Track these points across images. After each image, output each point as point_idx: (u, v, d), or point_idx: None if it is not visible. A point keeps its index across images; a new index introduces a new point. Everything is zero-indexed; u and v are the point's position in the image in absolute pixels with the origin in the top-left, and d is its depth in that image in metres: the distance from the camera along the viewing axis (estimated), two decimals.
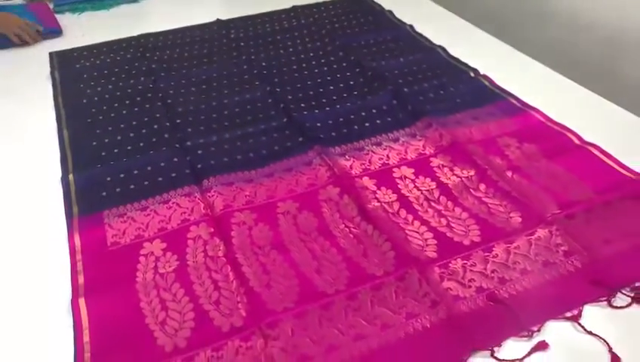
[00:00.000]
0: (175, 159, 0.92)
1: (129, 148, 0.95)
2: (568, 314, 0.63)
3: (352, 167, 0.88)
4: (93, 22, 1.46)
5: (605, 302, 0.64)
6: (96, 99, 1.10)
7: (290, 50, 1.27)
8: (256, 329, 0.63)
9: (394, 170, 0.87)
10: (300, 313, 0.64)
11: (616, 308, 0.64)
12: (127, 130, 1.00)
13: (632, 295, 0.65)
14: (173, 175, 0.88)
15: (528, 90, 1.04)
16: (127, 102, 1.08)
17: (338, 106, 1.04)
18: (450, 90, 1.08)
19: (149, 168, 0.89)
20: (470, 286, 0.67)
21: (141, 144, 0.96)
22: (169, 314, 0.65)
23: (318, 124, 0.99)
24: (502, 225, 0.75)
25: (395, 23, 1.37)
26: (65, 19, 1.45)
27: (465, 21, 1.36)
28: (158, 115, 1.04)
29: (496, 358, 0.59)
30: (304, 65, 1.20)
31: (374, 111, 1.02)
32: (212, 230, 0.77)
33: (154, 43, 1.31)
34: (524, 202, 0.78)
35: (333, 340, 0.61)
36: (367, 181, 0.84)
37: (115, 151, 0.94)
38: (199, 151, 0.93)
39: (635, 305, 0.64)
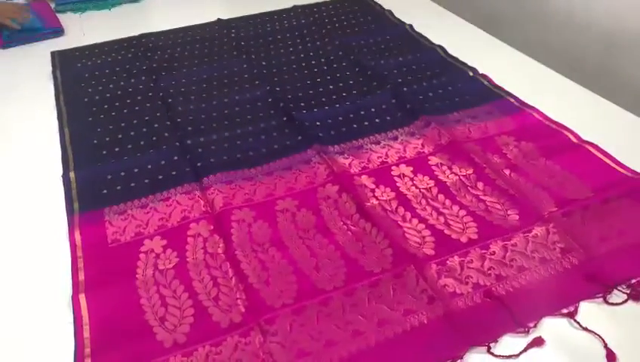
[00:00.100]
0: (175, 157, 0.92)
1: (130, 146, 0.95)
2: (564, 311, 0.64)
3: (351, 165, 0.88)
4: (94, 21, 1.47)
5: (601, 299, 0.65)
6: (97, 97, 1.10)
7: (291, 49, 1.27)
8: (255, 325, 0.63)
9: (392, 168, 0.87)
10: (299, 309, 0.65)
11: (612, 304, 0.64)
12: (128, 128, 1.00)
13: (628, 291, 0.65)
14: (174, 173, 0.88)
15: (526, 89, 1.04)
16: (128, 101, 1.09)
17: (337, 105, 1.05)
18: (449, 89, 1.08)
19: (149, 166, 0.90)
20: (467, 283, 0.67)
21: (142, 142, 0.96)
22: (169, 310, 0.66)
23: (318, 123, 0.99)
24: (499, 222, 0.76)
25: (394, 23, 1.37)
26: (66, 19, 1.46)
27: (464, 21, 1.36)
28: (158, 114, 1.04)
29: (492, 354, 0.60)
30: (304, 64, 1.20)
31: (373, 110, 1.03)
32: (212, 227, 0.78)
33: (155, 42, 1.32)
34: (522, 200, 0.78)
35: (331, 336, 0.62)
36: (365, 179, 0.85)
37: (116, 149, 0.95)
38: (199, 150, 0.94)
39: (630, 302, 0.64)
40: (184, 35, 1.35)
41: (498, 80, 1.08)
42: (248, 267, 0.71)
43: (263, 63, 1.21)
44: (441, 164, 0.88)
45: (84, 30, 1.41)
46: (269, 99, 1.08)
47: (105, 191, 0.85)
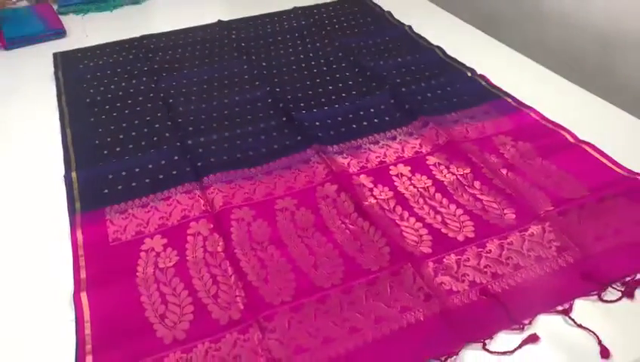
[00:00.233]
0: (176, 157, 0.93)
1: (131, 146, 0.96)
2: (559, 308, 0.64)
3: (350, 165, 0.89)
4: (96, 23, 1.48)
5: (596, 297, 0.65)
6: (98, 98, 1.11)
7: (291, 50, 1.28)
8: (254, 322, 0.64)
9: (391, 167, 0.88)
10: (297, 306, 0.66)
11: (607, 302, 0.65)
12: (129, 129, 1.01)
13: (623, 289, 0.66)
14: (174, 173, 0.89)
15: (524, 89, 1.05)
16: (129, 101, 1.10)
17: (337, 106, 1.06)
18: (448, 89, 1.09)
19: (150, 166, 0.91)
20: (463, 281, 0.68)
21: (143, 142, 0.97)
22: (168, 307, 0.67)
23: (317, 123, 1.00)
24: (496, 221, 0.76)
25: (393, 24, 1.38)
26: (69, 21, 1.47)
27: (463, 22, 1.37)
28: (159, 115, 1.05)
29: (487, 350, 0.60)
30: (304, 65, 1.21)
31: (372, 110, 1.03)
32: (211, 226, 0.78)
33: (156, 44, 1.33)
34: (518, 199, 0.79)
35: (329, 332, 0.63)
36: (364, 178, 0.86)
37: (117, 149, 0.96)
38: (200, 150, 0.95)
39: (625, 299, 0.65)
40: (185, 37, 1.36)
41: (496, 80, 1.09)
42: (247, 265, 0.72)
43: (263, 64, 1.22)
44: (438, 163, 0.88)
45: (86, 32, 1.42)
46: (269, 100, 1.09)
47: (106, 191, 0.86)
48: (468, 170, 0.86)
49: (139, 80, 1.18)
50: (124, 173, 0.89)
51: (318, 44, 1.30)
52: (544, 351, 0.60)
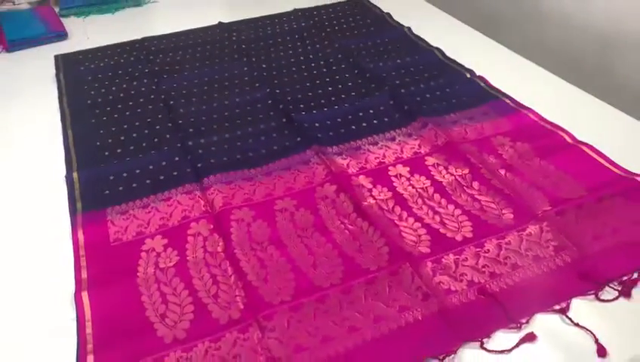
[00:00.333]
0: (176, 158, 0.94)
1: (132, 147, 0.97)
2: (557, 307, 0.65)
3: (349, 165, 0.90)
4: (97, 25, 1.49)
5: (593, 296, 0.66)
6: (99, 100, 1.12)
7: (290, 52, 1.29)
8: (254, 322, 0.65)
9: (390, 168, 0.89)
10: (296, 306, 0.66)
11: (604, 301, 0.65)
12: (130, 130, 1.02)
13: (619, 288, 0.66)
14: (175, 173, 0.90)
15: (523, 90, 1.05)
16: (130, 103, 1.11)
17: (336, 107, 1.06)
18: (447, 90, 1.09)
19: (150, 167, 0.92)
20: (462, 280, 0.68)
21: (143, 144, 0.98)
22: (169, 307, 0.67)
23: (317, 125, 1.01)
24: (494, 221, 0.77)
25: (393, 26, 1.39)
26: (70, 23, 1.48)
27: (462, 23, 1.38)
28: (160, 116, 1.06)
29: (485, 349, 0.61)
30: (304, 66, 1.22)
31: (371, 111, 1.04)
32: (212, 226, 0.79)
33: (157, 46, 1.34)
34: (517, 199, 0.80)
35: (328, 331, 0.63)
36: (363, 179, 0.86)
37: (118, 150, 0.96)
38: (200, 151, 0.95)
39: (621, 299, 0.65)
40: (186, 39, 1.37)
41: (495, 81, 1.10)
42: (247, 265, 0.72)
43: (264, 66, 1.23)
44: (437, 164, 0.89)
45: (87, 34, 1.43)
46: (269, 101, 1.09)
47: (107, 192, 0.87)
48: (466, 171, 0.87)
49: (140, 82, 1.18)
50: (125, 174, 0.90)
51: (317, 46, 1.31)
52: (541, 350, 0.61)
